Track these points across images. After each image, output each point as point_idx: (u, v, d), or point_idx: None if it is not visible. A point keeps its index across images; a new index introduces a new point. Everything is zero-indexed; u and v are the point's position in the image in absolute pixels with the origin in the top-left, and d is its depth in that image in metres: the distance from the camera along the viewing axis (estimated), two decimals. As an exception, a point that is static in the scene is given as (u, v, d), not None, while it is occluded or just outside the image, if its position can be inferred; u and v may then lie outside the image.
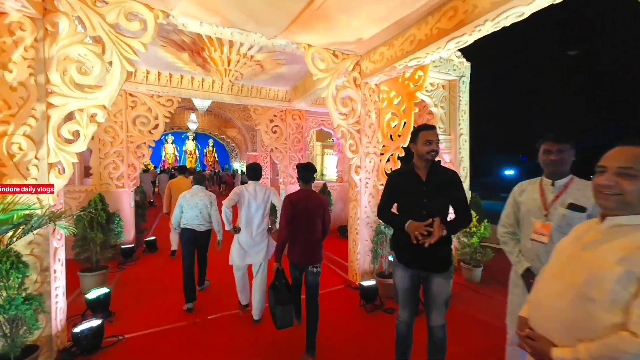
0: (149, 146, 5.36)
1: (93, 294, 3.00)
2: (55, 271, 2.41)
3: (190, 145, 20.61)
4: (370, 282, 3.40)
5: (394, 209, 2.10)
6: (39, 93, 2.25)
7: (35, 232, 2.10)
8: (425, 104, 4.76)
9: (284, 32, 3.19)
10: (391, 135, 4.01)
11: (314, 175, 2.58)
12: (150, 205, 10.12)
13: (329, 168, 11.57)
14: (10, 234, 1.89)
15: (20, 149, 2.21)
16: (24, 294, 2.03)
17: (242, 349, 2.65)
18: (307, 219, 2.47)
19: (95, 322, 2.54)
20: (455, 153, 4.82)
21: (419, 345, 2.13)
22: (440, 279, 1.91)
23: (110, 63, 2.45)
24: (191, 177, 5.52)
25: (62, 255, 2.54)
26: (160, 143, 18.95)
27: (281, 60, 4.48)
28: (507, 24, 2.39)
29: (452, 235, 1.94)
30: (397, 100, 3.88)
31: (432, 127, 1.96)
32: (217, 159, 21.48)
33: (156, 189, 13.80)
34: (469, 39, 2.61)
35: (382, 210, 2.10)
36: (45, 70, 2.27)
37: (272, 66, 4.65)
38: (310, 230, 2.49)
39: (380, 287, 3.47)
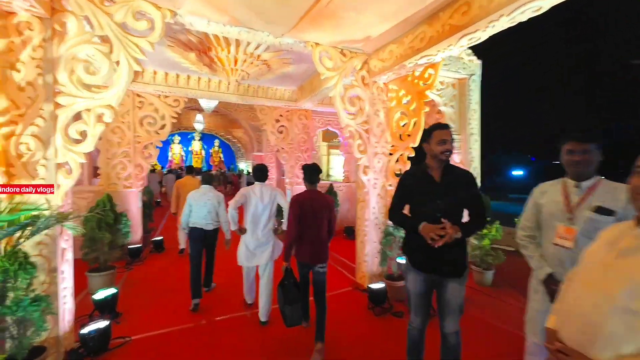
0: (156, 146, 5.38)
1: (100, 295, 2.99)
2: (62, 272, 2.41)
3: (196, 145, 20.74)
4: (379, 285, 3.33)
5: (406, 211, 2.03)
6: (47, 93, 2.24)
7: (43, 232, 2.09)
8: (434, 103, 4.67)
9: (291, 31, 3.15)
10: (400, 135, 3.93)
11: (319, 176, 2.66)
12: (157, 205, 10.19)
13: (335, 168, 11.50)
14: (18, 235, 1.88)
15: (28, 149, 2.21)
16: (31, 295, 2.02)
17: (250, 350, 2.63)
18: (314, 219, 2.54)
19: (102, 324, 2.52)
20: (466, 153, 4.72)
21: (431, 351, 2.06)
22: (454, 284, 1.84)
23: (118, 63, 2.44)
24: (198, 177, 5.55)
25: (69, 256, 2.53)
26: (167, 143, 19.11)
27: (288, 60, 4.44)
28: (524, 19, 2.30)
29: (467, 238, 1.87)
30: (407, 99, 3.81)
31: (446, 126, 1.89)
32: (222, 159, 21.58)
33: (163, 189, 13.90)
34: (482, 35, 2.52)
35: (394, 212, 2.04)
36: (53, 70, 2.26)
37: (278, 65, 4.62)
38: (316, 230, 2.56)
39: (389, 290, 3.40)
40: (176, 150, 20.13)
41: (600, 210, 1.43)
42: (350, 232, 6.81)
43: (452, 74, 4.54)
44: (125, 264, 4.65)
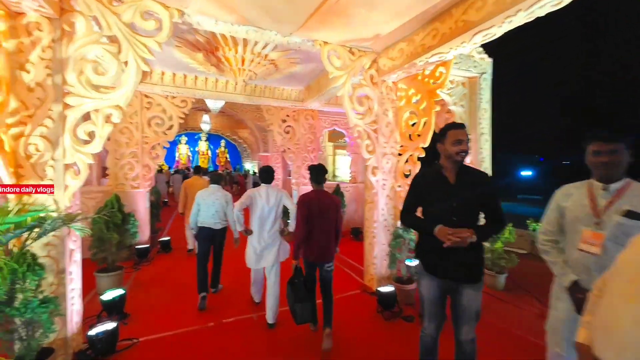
0: (164, 147, 5.40)
1: (108, 296, 2.99)
2: (71, 273, 2.40)
3: (203, 146, 20.88)
4: (389, 289, 3.25)
5: (418, 213, 1.97)
6: (55, 94, 2.23)
7: (51, 234, 2.08)
8: (444, 102, 4.58)
9: (299, 29, 3.10)
10: (410, 135, 3.85)
11: (326, 176, 2.73)
12: (164, 205, 10.26)
13: (341, 169, 11.44)
14: (25, 236, 1.87)
15: (37, 149, 2.20)
16: (40, 297, 2.01)
17: (257, 353, 2.59)
18: (321, 218, 2.60)
19: (110, 325, 2.51)
20: (476, 153, 4.61)
21: (444, 358, 1.98)
22: (471, 289, 1.76)
23: (126, 63, 2.42)
24: (205, 177, 5.55)
25: (78, 256, 2.52)
26: (174, 144, 19.27)
27: (295, 59, 4.39)
28: (542, 14, 2.21)
29: (483, 243, 1.80)
30: (416, 99, 3.73)
31: (462, 126, 1.81)
32: (229, 159, 21.68)
33: (170, 189, 14.01)
34: (497, 31, 2.44)
35: (406, 214, 1.98)
36: (62, 70, 2.25)
37: (286, 65, 4.58)
38: (324, 229, 2.62)
39: (398, 294, 3.32)
40: (183, 151, 20.29)
41: (631, 214, 1.34)
42: (357, 233, 6.74)
43: (463, 72, 4.43)
44: (133, 264, 4.67)
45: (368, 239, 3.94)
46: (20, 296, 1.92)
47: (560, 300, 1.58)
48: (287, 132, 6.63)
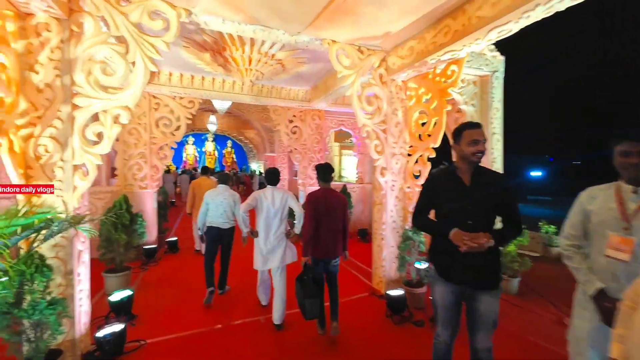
0: (171, 147, 5.42)
1: (116, 297, 2.98)
2: (79, 274, 2.39)
3: (209, 146, 21.01)
4: (399, 292, 3.18)
5: (431, 216, 1.90)
6: (64, 94, 2.23)
7: (59, 235, 2.07)
8: (454, 102, 4.47)
9: (308, 28, 3.05)
10: (420, 135, 3.77)
11: (332, 175, 2.82)
12: (171, 205, 10.32)
13: (347, 169, 11.36)
14: (33, 237, 1.86)
15: (46, 150, 2.20)
16: (48, 298, 2.00)
17: (265, 356, 2.57)
18: (328, 216, 2.66)
19: (118, 327, 2.50)
20: (488, 154, 4.49)
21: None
22: (488, 296, 1.69)
23: (134, 63, 2.40)
24: (213, 177, 5.55)
25: (86, 257, 2.52)
26: (181, 144, 19.42)
27: (302, 59, 4.35)
28: (562, 8, 2.12)
29: (501, 248, 1.72)
30: (427, 98, 3.64)
31: (478, 125, 1.74)
32: (235, 159, 21.77)
33: (177, 189, 14.12)
34: (514, 27, 2.35)
35: (418, 216, 1.90)
36: (71, 71, 2.25)
37: (293, 65, 4.54)
38: (331, 227, 2.68)
39: (408, 297, 3.24)
40: (190, 151, 20.45)
41: (665, 219, 1.26)
42: (364, 235, 6.67)
43: (474, 70, 4.33)
44: (141, 265, 4.68)
45: (376, 241, 3.86)
46: (28, 298, 1.91)
47: (585, 309, 1.50)
48: (294, 133, 6.59)
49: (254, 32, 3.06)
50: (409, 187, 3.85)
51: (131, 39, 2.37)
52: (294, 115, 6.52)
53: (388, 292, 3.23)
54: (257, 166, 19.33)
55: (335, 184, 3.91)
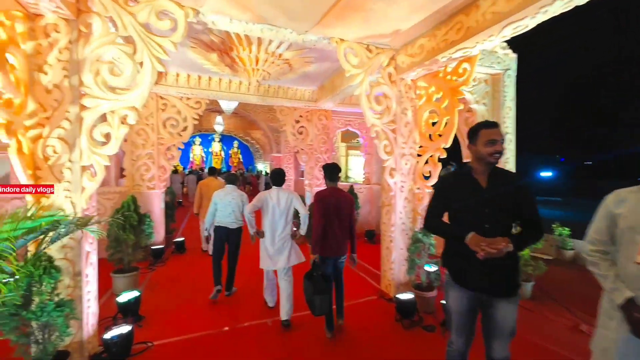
0: (178, 148, 5.43)
1: (124, 298, 2.98)
2: (87, 275, 2.39)
3: (216, 146, 21.15)
4: (408, 296, 3.11)
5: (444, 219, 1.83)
6: (72, 95, 2.23)
7: (67, 236, 2.06)
8: (465, 101, 4.37)
9: (315, 27, 3.01)
10: (430, 135, 3.69)
11: (339, 175, 2.84)
12: (179, 206, 10.39)
13: (353, 170, 11.28)
14: (41, 239, 1.85)
15: (54, 151, 2.20)
16: (56, 299, 1.99)
17: (273, 358, 2.53)
18: (336, 215, 2.70)
19: (125, 329, 2.48)
20: (499, 154, 4.38)
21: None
22: (506, 304, 1.61)
23: (141, 64, 2.39)
24: (220, 178, 5.55)
25: (94, 258, 2.51)
26: (188, 145, 19.59)
27: (309, 58, 4.31)
28: (581, 3, 2.03)
29: (519, 252, 1.64)
30: (437, 97, 3.56)
31: (495, 124, 1.67)
32: (241, 160, 21.87)
33: (185, 190, 14.23)
34: (530, 22, 2.26)
35: (431, 219, 1.82)
36: (79, 72, 2.24)
37: (300, 65, 4.50)
38: (339, 225, 2.71)
39: (418, 301, 3.16)
40: (197, 152, 20.61)
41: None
42: (371, 236, 6.59)
43: (486, 69, 4.22)
44: (148, 265, 4.69)
45: (385, 243, 3.79)
46: (36, 299, 1.91)
47: (611, 319, 1.41)
48: (301, 133, 6.55)
49: (262, 31, 3.02)
50: (418, 188, 3.77)
51: (139, 39, 2.35)
52: (301, 116, 6.48)
53: (397, 295, 3.16)
54: (263, 167, 19.38)
55: (342, 185, 3.86)
